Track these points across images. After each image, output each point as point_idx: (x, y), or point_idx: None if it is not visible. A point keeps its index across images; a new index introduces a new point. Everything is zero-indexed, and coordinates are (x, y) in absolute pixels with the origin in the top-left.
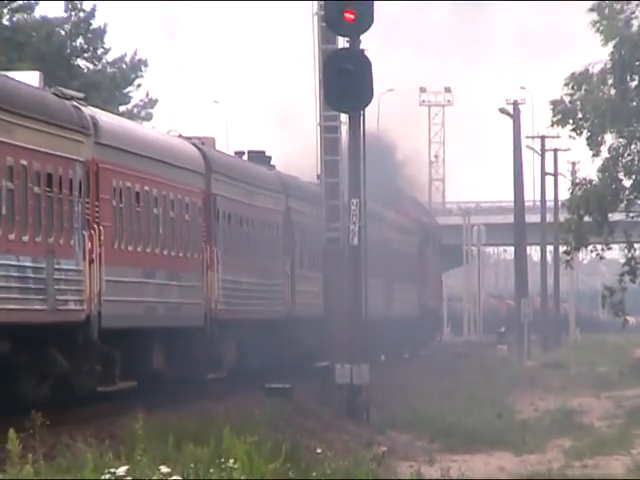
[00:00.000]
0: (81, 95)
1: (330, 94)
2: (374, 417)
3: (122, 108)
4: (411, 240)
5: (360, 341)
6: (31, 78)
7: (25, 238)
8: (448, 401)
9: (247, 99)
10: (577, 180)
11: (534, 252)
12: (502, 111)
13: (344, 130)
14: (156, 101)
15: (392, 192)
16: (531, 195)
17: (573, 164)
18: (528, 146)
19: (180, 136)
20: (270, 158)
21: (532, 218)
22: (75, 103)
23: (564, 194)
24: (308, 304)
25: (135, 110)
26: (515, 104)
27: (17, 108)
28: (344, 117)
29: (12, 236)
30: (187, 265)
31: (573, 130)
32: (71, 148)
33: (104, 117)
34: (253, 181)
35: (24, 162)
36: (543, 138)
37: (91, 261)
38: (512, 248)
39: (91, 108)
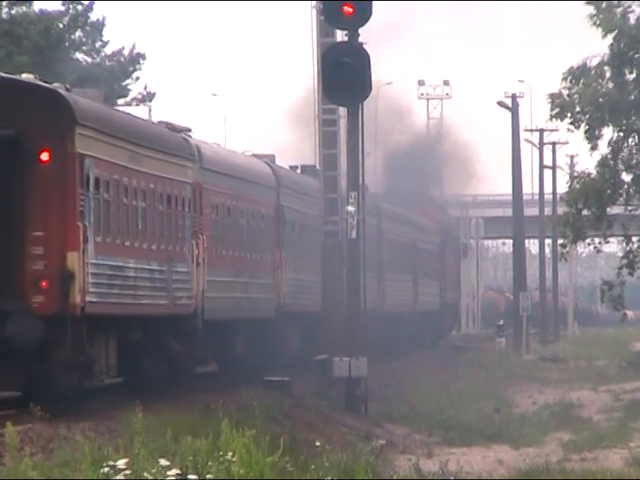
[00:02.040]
0: (189, 128)
1: (328, 87)
2: (372, 410)
3: (120, 101)
4: (433, 239)
5: (358, 334)
6: (95, 97)
7: (153, 247)
8: (446, 394)
9: (245, 92)
10: (575, 174)
11: (532, 245)
12: (501, 104)
13: (342, 124)
14: (154, 94)
15: (416, 195)
16: (529, 188)
17: (571, 157)
18: (527, 139)
19: (253, 155)
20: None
21: (530, 211)
22: (184, 135)
23: (563, 187)
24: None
25: (133, 103)
26: (514, 97)
27: (143, 142)
28: (342, 110)
29: (145, 245)
30: (263, 266)
31: (571, 124)
32: (183, 173)
33: (205, 146)
34: (310, 193)
35: (152, 185)
36: (542, 131)
37: (197, 264)
38: (511, 241)
39: (195, 138)
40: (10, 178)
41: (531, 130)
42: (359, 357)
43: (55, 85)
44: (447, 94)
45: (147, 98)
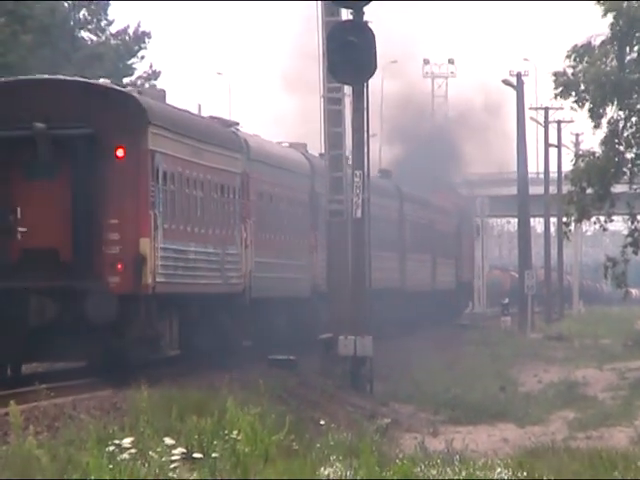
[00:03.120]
0: (237, 122)
1: (333, 66)
2: (378, 389)
3: (126, 80)
4: (450, 220)
5: (364, 313)
6: (159, 95)
7: (210, 232)
8: (452, 373)
9: (250, 70)
10: (580, 152)
11: (538, 224)
12: (506, 83)
13: (347, 102)
14: (159, 73)
15: (435, 179)
16: (535, 167)
17: (577, 136)
18: (532, 118)
19: (290, 145)
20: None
21: (535, 190)
22: (233, 129)
23: (568, 166)
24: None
25: (139, 82)
26: (518, 76)
27: (202, 138)
28: (347, 89)
29: (203, 230)
30: (300, 248)
31: (575, 102)
32: (233, 164)
33: (251, 139)
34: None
35: (208, 176)
36: (547, 110)
37: (245, 247)
38: (516, 220)
39: (242, 131)
40: (89, 172)
41: (536, 108)
42: (364, 336)
43: (129, 89)
44: (452, 72)
45: (152, 77)
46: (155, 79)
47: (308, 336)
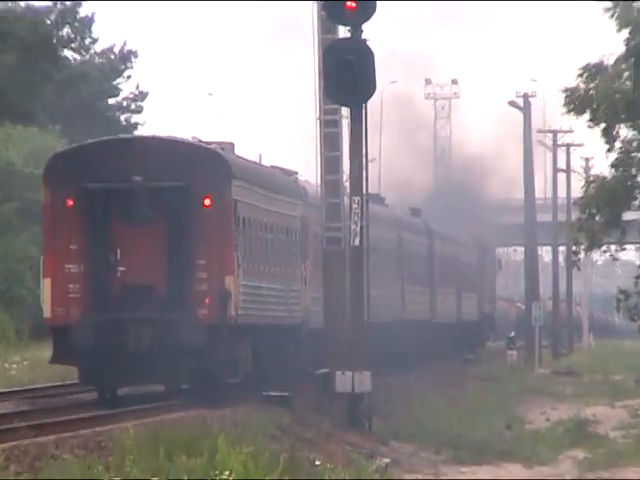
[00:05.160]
0: (296, 171)
1: (330, 86)
2: (377, 427)
3: (111, 101)
4: (473, 253)
5: (362, 347)
6: (229, 148)
7: (277, 270)
8: (455, 410)
9: (242, 92)
10: (591, 178)
11: (546, 253)
12: (512, 104)
13: (345, 124)
14: (147, 94)
15: (456, 211)
16: (542, 193)
17: (587, 160)
18: (539, 141)
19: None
20: (384, 199)
21: (543, 217)
22: (293, 177)
23: (577, 191)
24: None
25: (125, 103)
26: (525, 97)
27: (271, 186)
28: (345, 111)
29: (273, 269)
30: None
31: (591, 120)
32: (295, 209)
33: (308, 185)
34: (380, 220)
35: (276, 221)
36: (555, 133)
37: (305, 284)
38: (522, 248)
39: (300, 180)
40: (181, 219)
41: (544, 131)
42: (362, 371)
43: (214, 146)
44: (455, 93)
45: (139, 98)
46: (142, 100)
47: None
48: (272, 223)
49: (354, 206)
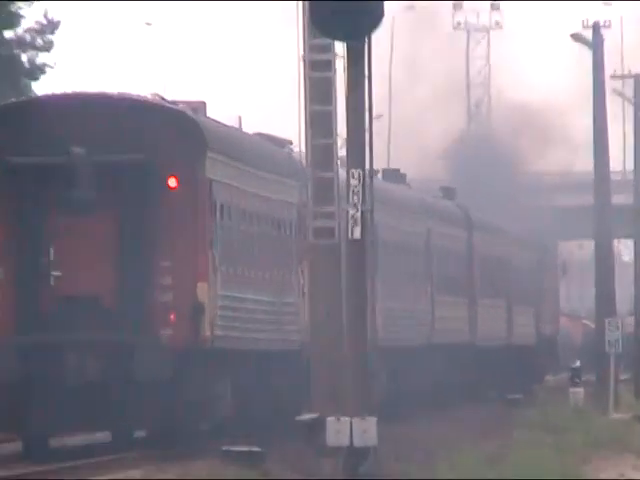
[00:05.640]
0: (290, 140)
1: (319, 10)
2: None
3: (8, 33)
4: (529, 254)
5: (364, 381)
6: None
7: (266, 276)
8: (496, 471)
9: (201, 25)
10: None
11: (624, 249)
12: (576, 38)
13: (340, 67)
14: (58, 24)
15: (506, 193)
16: (619, 164)
17: None
18: (615, 90)
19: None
20: (405, 176)
21: (621, 198)
22: (287, 149)
23: None
24: (448, 330)
25: (28, 37)
26: (596, 27)
27: (258, 162)
28: (340, 47)
29: (260, 275)
30: None
31: None
32: (290, 193)
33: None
34: (402, 205)
35: (266, 209)
36: (637, 78)
37: (303, 295)
38: (591, 243)
39: (297, 152)
40: (136, 205)
41: (622, 77)
42: (365, 417)
43: (181, 107)
44: (497, 23)
45: (48, 29)
46: (51, 32)
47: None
48: (260, 212)
49: (353, 183)
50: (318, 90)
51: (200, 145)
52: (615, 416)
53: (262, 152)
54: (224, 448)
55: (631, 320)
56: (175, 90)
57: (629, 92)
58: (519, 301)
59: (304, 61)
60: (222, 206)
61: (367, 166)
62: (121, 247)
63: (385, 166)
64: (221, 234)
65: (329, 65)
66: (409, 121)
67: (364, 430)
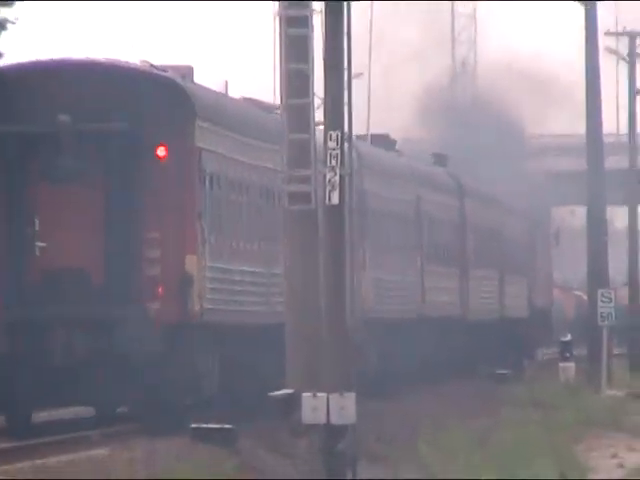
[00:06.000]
0: (276, 106)
1: None
2: (364, 477)
3: None
4: (521, 223)
5: (343, 357)
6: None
7: (255, 247)
8: (483, 451)
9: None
10: None
11: (618, 216)
12: None
13: (318, 24)
14: None
15: (496, 157)
16: (613, 126)
17: None
18: (608, 48)
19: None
20: (395, 142)
21: (614, 162)
22: (274, 114)
23: None
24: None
25: None
26: None
27: (250, 130)
28: (318, 3)
29: (249, 246)
30: None
31: None
32: (276, 160)
33: None
34: (391, 172)
35: (257, 179)
36: (632, 36)
37: None
38: (583, 209)
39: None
40: (124, 175)
41: (616, 34)
42: (343, 393)
43: (170, 73)
44: None
45: None
46: None
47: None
48: (251, 182)
49: (331, 145)
50: (294, 48)
51: (189, 113)
52: (608, 393)
53: (251, 119)
54: (194, 425)
55: (625, 291)
56: (153, 52)
57: (623, 50)
58: (512, 272)
59: (279, 17)
60: (211, 176)
61: (346, 127)
62: (108, 218)
63: (365, 128)
64: (210, 205)
65: (306, 21)
66: (390, 79)
67: (342, 407)
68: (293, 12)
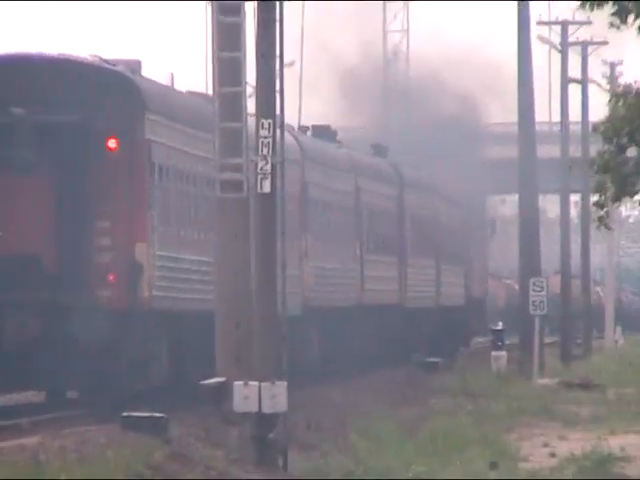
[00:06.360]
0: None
1: None
2: (296, 465)
3: None
4: (457, 212)
5: (274, 345)
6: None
7: (204, 237)
8: (414, 441)
9: None
10: (619, 89)
11: (550, 205)
12: None
13: (250, 11)
14: None
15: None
16: (545, 115)
17: (612, 65)
18: (541, 37)
19: (101, 59)
20: (336, 133)
21: (546, 151)
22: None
23: (598, 111)
24: (377, 290)
25: None
26: None
27: (197, 122)
28: None
29: (196, 235)
30: (290, 255)
31: (615, 14)
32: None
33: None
34: (332, 163)
35: (204, 170)
36: (565, 24)
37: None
38: (515, 197)
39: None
40: (76, 165)
41: (549, 22)
42: (275, 381)
43: (121, 67)
44: None
45: None
46: None
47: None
48: (198, 173)
49: (263, 133)
50: (226, 36)
51: (139, 106)
52: (540, 382)
53: (197, 111)
54: (124, 414)
55: (557, 280)
56: (99, 46)
57: (555, 39)
58: (448, 261)
59: (212, 6)
60: (160, 167)
61: (278, 116)
62: (60, 207)
63: (296, 117)
64: (159, 195)
65: (238, 9)
66: (321, 68)
67: (273, 396)
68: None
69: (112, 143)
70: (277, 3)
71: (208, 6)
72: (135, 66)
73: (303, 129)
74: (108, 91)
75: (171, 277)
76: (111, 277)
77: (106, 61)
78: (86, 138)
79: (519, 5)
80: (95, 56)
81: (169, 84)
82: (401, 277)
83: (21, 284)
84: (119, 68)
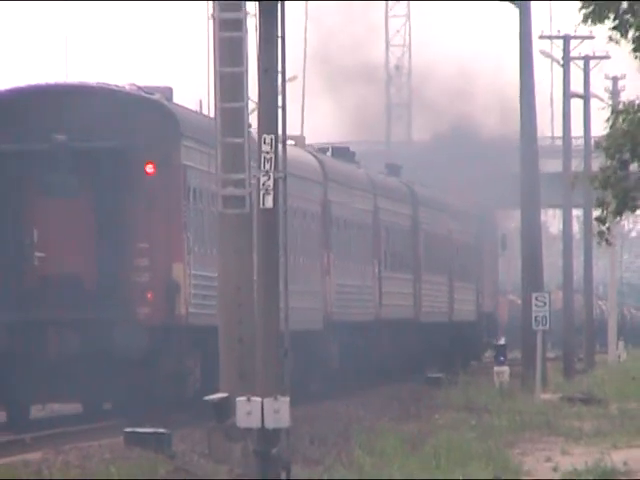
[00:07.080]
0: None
1: None
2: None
3: None
4: (469, 228)
5: (277, 362)
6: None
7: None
8: (417, 456)
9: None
10: (621, 106)
11: (552, 219)
12: None
13: (252, 26)
14: None
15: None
16: (547, 129)
17: (614, 80)
18: (543, 51)
19: (138, 88)
20: (354, 154)
21: (549, 165)
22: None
23: (601, 127)
24: (394, 305)
25: None
26: None
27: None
28: (252, 6)
29: None
30: (313, 271)
31: (615, 29)
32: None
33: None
34: (352, 184)
35: None
36: (567, 39)
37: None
38: (518, 213)
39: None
40: (115, 189)
41: (550, 37)
42: (278, 397)
43: (157, 96)
44: None
45: None
46: None
47: (319, 379)
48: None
49: (265, 148)
50: (228, 51)
51: (176, 133)
52: (542, 397)
53: None
54: (127, 429)
55: (559, 295)
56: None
57: (558, 53)
58: (461, 278)
59: (214, 19)
60: (194, 190)
61: (280, 131)
62: (101, 229)
63: (299, 132)
64: (194, 217)
65: (240, 24)
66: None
67: (275, 411)
68: (227, 15)
69: (150, 168)
70: (279, 17)
71: (211, 20)
72: (168, 93)
73: (322, 150)
74: (146, 118)
75: (205, 295)
76: (149, 295)
77: (142, 89)
78: (125, 163)
79: (520, 18)
80: (132, 85)
81: (198, 109)
82: (416, 293)
83: (62, 302)
84: (156, 97)
